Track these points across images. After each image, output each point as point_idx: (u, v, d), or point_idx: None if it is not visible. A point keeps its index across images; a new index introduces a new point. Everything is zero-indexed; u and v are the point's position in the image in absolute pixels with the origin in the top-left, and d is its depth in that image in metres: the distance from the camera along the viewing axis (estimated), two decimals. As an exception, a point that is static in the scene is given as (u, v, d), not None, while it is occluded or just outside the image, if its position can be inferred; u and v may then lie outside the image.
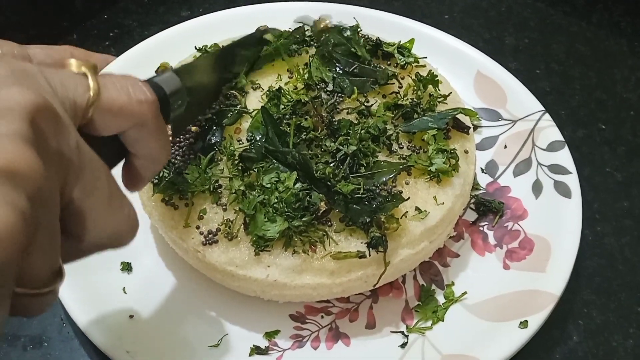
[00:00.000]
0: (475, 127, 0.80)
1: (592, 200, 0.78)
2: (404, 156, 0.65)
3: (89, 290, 0.61)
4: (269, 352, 0.60)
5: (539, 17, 1.01)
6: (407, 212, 0.61)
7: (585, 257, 0.72)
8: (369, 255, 0.58)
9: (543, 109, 0.79)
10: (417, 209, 0.61)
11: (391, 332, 0.63)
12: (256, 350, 0.60)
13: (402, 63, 0.73)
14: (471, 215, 0.73)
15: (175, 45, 0.77)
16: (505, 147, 0.78)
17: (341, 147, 0.63)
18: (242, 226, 0.59)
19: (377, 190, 0.60)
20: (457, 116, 0.69)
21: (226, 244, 0.59)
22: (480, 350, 0.59)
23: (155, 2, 0.99)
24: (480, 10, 1.02)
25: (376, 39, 0.74)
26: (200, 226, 0.60)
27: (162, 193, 0.61)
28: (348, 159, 0.62)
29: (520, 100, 0.81)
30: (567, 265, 0.65)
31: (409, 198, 0.61)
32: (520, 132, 0.78)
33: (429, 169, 0.63)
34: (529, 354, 0.63)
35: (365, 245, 0.59)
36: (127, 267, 0.65)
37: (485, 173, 0.77)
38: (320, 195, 0.60)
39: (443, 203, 0.62)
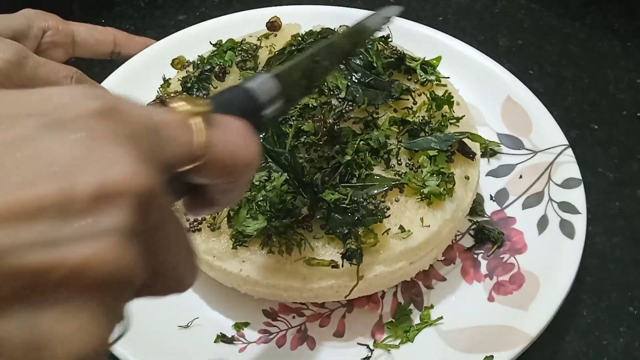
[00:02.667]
0: (494, 153, 0.79)
1: None
2: (400, 172, 0.64)
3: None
4: (234, 342, 0.62)
5: (533, 18, 1.02)
6: (389, 229, 0.61)
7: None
8: (342, 266, 0.59)
9: (567, 143, 0.76)
10: (400, 227, 0.61)
11: (358, 343, 0.63)
12: (222, 337, 0.62)
13: (422, 80, 0.73)
14: (468, 241, 0.72)
15: (178, 50, 0.79)
16: (521, 177, 0.76)
17: (336, 155, 0.63)
18: (226, 219, 0.61)
19: (364, 203, 0.61)
20: (465, 141, 0.68)
21: (208, 233, 0.61)
22: (441, 379, 0.59)
23: (151, 7, 1.02)
24: (473, 12, 1.03)
25: (401, 53, 0.74)
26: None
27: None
28: (341, 167, 0.63)
29: (545, 131, 0.78)
30: (550, 307, 0.63)
31: (389, 215, 0.60)
32: (539, 164, 0.76)
33: (421, 190, 0.63)
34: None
35: (340, 255, 0.59)
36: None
37: (493, 200, 0.75)
38: (305, 200, 0.61)
39: (429, 226, 0.62)
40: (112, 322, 0.29)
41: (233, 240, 0.60)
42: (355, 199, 0.61)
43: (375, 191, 0.62)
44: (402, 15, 0.90)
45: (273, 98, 0.45)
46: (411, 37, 0.84)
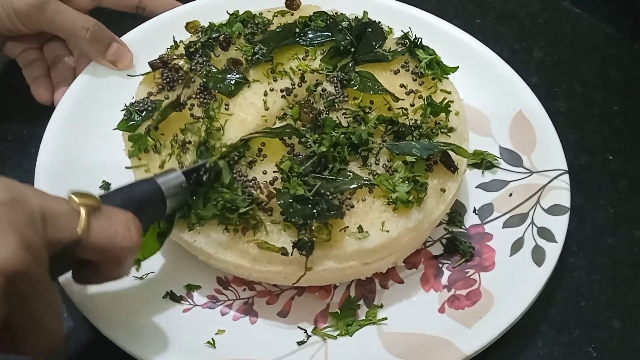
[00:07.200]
0: (491, 166, 0.77)
1: (573, 230, 0.73)
2: (375, 173, 0.64)
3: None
4: (181, 301, 0.65)
5: (577, 33, 0.95)
6: (347, 227, 0.61)
7: (548, 285, 0.67)
8: (291, 254, 0.60)
9: (565, 169, 0.74)
10: (359, 227, 0.61)
11: (298, 327, 0.64)
12: (170, 295, 0.65)
13: (422, 71, 0.71)
14: (438, 249, 0.71)
15: (200, 16, 0.79)
16: (511, 195, 0.75)
17: (312, 145, 0.63)
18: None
19: (330, 197, 0.61)
20: (450, 153, 0.66)
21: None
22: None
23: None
24: (516, 18, 0.98)
25: (413, 41, 0.73)
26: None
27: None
28: (315, 157, 0.63)
29: (547, 152, 0.76)
30: (493, 331, 0.62)
31: (344, 212, 0.60)
32: (532, 185, 0.74)
33: (390, 194, 0.62)
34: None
35: (292, 244, 0.60)
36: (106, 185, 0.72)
37: (476, 214, 0.74)
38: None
39: (388, 231, 0.61)
40: None
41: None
42: (323, 191, 0.61)
43: (344, 187, 0.62)
44: (438, 13, 0.88)
45: (176, 193, 0.57)
46: (432, 34, 0.81)
